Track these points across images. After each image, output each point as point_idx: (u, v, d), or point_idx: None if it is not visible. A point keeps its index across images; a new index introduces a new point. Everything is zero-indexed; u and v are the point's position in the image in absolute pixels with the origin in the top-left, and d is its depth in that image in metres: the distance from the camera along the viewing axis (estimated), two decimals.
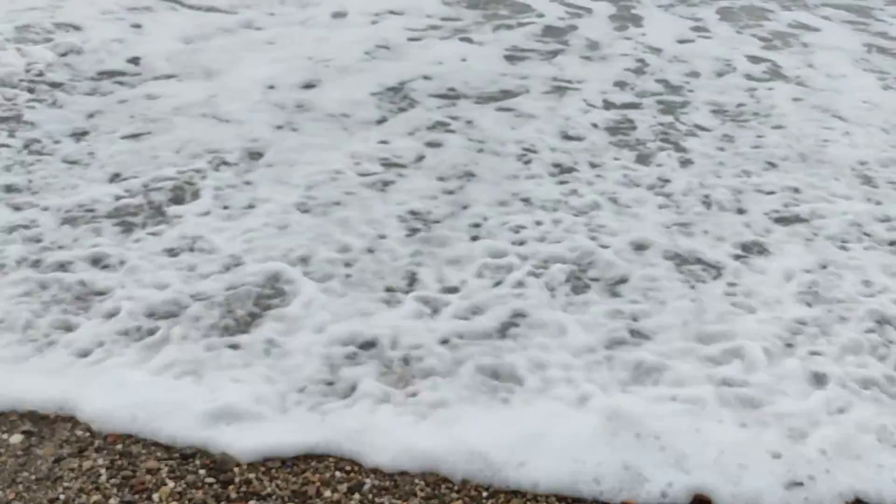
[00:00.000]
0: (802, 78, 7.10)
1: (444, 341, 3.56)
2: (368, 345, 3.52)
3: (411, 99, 6.03)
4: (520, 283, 3.99)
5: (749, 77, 7.06)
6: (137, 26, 7.15)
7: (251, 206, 4.54)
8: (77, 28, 6.93)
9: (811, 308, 3.99)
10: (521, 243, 4.33)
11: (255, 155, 5.12)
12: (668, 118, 6.06)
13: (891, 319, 3.95)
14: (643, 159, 5.36)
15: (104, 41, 6.65)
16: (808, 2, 9.38)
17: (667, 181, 5.12)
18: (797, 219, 4.79)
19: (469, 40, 7.44)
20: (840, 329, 3.84)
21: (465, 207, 4.60)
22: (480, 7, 8.57)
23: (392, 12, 8.21)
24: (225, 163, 4.99)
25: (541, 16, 8.43)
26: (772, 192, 5.08)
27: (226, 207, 4.52)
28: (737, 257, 4.38)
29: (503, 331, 3.67)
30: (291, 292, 3.82)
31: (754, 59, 7.51)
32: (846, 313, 3.96)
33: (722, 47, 7.80)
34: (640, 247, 4.38)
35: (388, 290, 3.90)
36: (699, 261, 4.31)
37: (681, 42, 7.94)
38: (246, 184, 4.77)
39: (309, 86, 6.12)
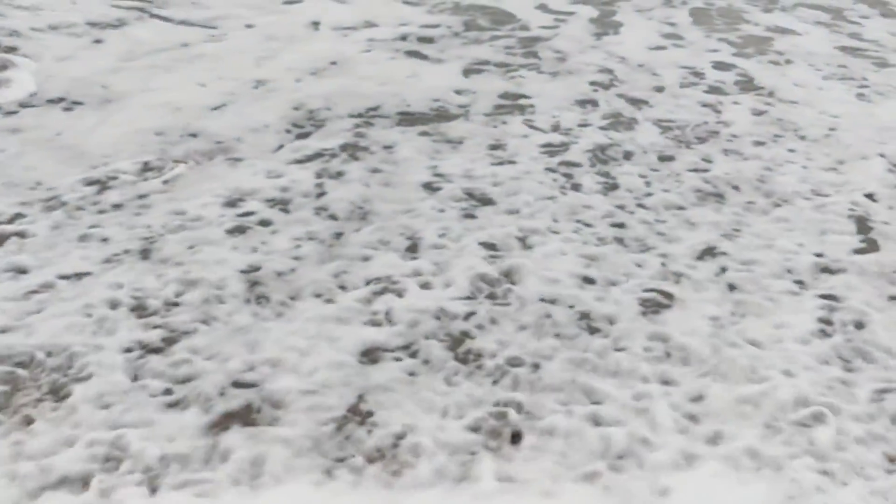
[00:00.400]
0: (771, 88, 6.06)
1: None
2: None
3: (326, 122, 4.95)
4: (371, 359, 3.04)
5: (714, 89, 6.04)
6: (98, 41, 6.33)
7: (47, 263, 3.38)
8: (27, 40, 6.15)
9: (711, 391, 3.07)
10: (388, 291, 3.37)
11: (102, 193, 3.97)
12: (617, 137, 5.09)
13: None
14: (569, 187, 4.42)
15: (51, 59, 5.82)
16: (784, 3, 8.21)
17: (588, 207, 4.22)
18: (721, 263, 3.85)
19: (431, 54, 6.53)
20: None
21: (336, 257, 3.60)
22: (462, 18, 7.63)
23: (369, 23, 7.34)
24: (55, 207, 3.82)
25: (524, 27, 7.46)
26: (697, 228, 4.14)
27: (20, 265, 3.36)
28: (644, 305, 3.50)
29: (334, 433, 2.70)
30: (64, 384, 2.78)
31: (724, 68, 6.46)
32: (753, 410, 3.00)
33: (693, 55, 6.74)
34: (540, 299, 3.45)
35: (186, 383, 2.83)
36: (595, 318, 3.41)
37: (652, 50, 6.91)
38: (63, 231, 3.62)
39: (218, 108, 5.01)
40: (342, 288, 3.39)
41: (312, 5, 7.72)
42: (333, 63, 6.04)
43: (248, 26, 7.05)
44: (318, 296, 3.33)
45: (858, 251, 4.07)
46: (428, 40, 6.85)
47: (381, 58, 6.29)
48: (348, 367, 2.98)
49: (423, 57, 6.43)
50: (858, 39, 7.08)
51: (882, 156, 5.02)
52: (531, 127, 5.16)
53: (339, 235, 3.78)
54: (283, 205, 3.98)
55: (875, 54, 6.73)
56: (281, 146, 4.56)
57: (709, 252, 3.92)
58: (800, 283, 3.75)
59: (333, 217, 3.92)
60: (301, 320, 3.18)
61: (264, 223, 3.82)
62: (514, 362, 3.10)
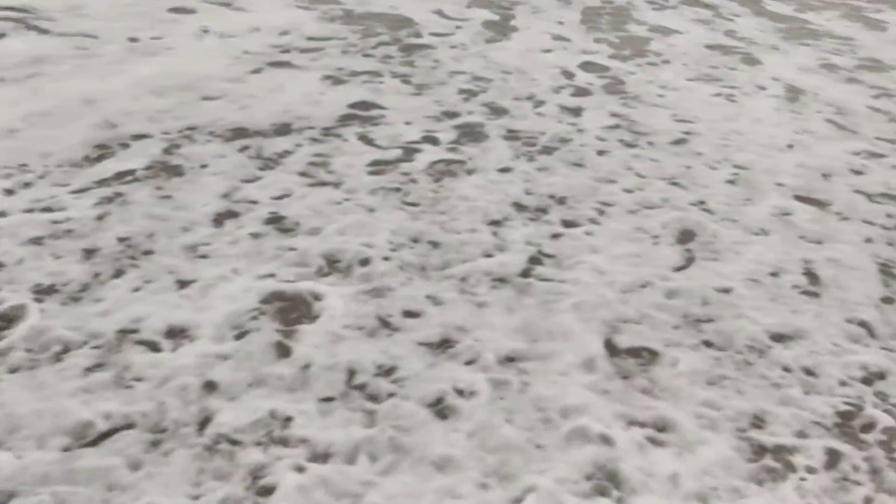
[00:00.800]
0: (636, 91, 5.47)
1: None
2: None
3: (137, 141, 4.21)
4: (91, 441, 2.40)
5: (581, 93, 5.46)
6: None
7: None
8: None
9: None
10: (132, 348, 2.72)
11: None
12: (463, 150, 4.50)
13: None
14: (386, 209, 3.83)
15: None
16: (671, 1, 7.59)
17: (397, 232, 3.61)
18: (507, 294, 3.25)
19: (303, 64, 5.92)
20: None
21: (78, 308, 2.92)
22: (355, 25, 7.01)
23: (256, 29, 6.71)
24: None
25: (416, 34, 6.84)
26: (508, 248, 3.55)
27: None
28: (431, 350, 2.91)
29: None
30: None
31: (597, 70, 5.87)
32: None
33: (571, 58, 6.16)
34: (321, 360, 2.87)
35: None
36: (377, 371, 2.84)
37: (533, 54, 6.31)
38: None
39: (13, 131, 4.17)
40: (67, 350, 2.76)
41: (206, 14, 7.11)
42: (187, 77, 5.41)
43: (132, 39, 6.43)
44: (31, 361, 2.69)
45: (678, 269, 3.51)
46: (309, 49, 6.25)
47: (246, 69, 5.67)
48: (53, 460, 2.34)
49: (294, 66, 5.83)
50: (732, 37, 6.47)
51: (729, 163, 4.45)
52: (368, 143, 4.55)
53: (96, 277, 3.15)
54: (38, 243, 3.26)
55: (745, 52, 6.12)
56: (69, 172, 3.84)
57: (512, 277, 3.34)
58: (605, 303, 3.19)
59: (94, 257, 3.24)
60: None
61: (2, 267, 3.10)
62: (276, 439, 2.50)
